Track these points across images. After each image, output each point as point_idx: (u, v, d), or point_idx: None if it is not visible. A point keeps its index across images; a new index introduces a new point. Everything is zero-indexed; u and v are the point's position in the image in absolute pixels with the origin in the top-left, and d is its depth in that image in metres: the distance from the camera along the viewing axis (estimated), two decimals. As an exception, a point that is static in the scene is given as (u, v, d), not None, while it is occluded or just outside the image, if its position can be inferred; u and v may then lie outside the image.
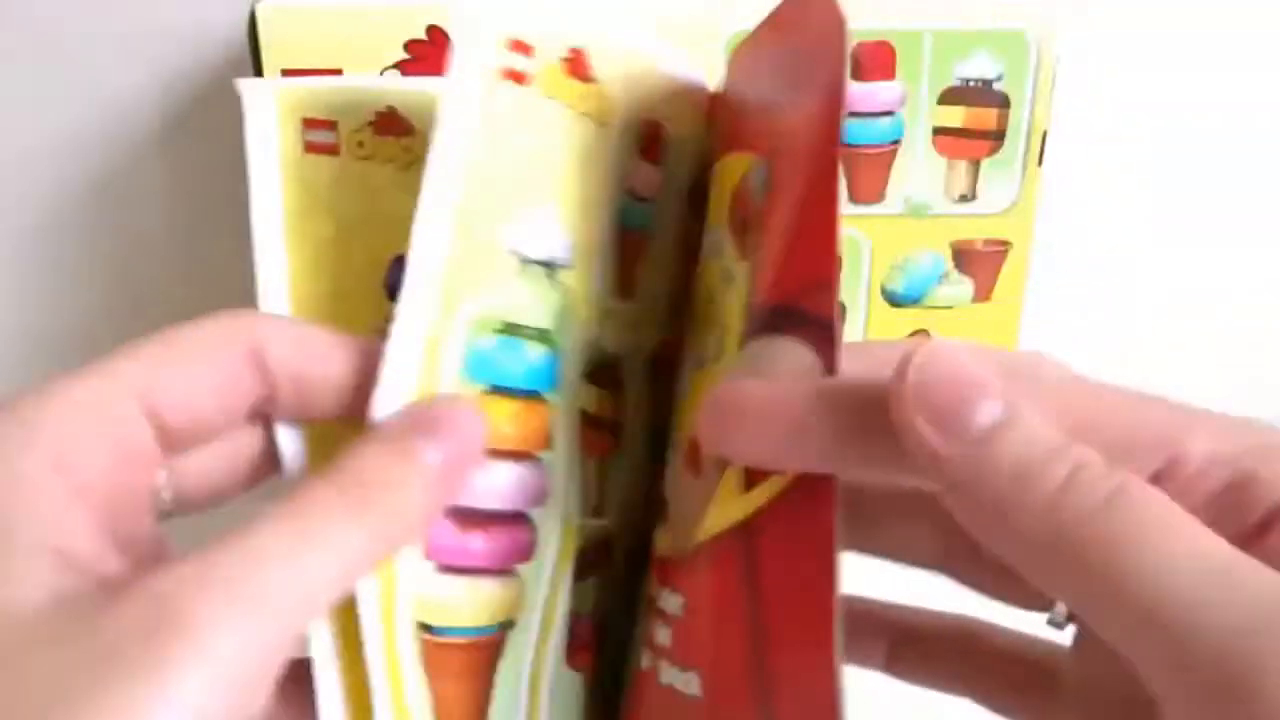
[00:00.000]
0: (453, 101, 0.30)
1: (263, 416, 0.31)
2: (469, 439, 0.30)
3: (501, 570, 0.33)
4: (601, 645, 0.37)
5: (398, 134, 0.33)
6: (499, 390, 0.32)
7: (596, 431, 0.36)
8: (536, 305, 0.33)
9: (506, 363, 0.32)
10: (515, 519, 0.34)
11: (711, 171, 0.36)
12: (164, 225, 0.36)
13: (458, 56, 0.30)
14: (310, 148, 0.33)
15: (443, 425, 0.29)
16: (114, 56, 0.31)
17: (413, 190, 0.30)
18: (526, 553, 0.34)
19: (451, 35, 0.31)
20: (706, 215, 0.36)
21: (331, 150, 0.33)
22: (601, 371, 0.36)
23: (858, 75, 0.47)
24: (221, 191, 0.30)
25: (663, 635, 0.31)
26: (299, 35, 0.43)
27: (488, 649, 0.33)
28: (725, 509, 0.29)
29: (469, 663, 0.33)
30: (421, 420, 0.29)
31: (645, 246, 0.37)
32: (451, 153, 0.30)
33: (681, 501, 0.32)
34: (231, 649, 0.24)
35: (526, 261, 0.32)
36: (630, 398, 0.37)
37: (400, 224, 0.30)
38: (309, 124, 0.33)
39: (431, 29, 0.43)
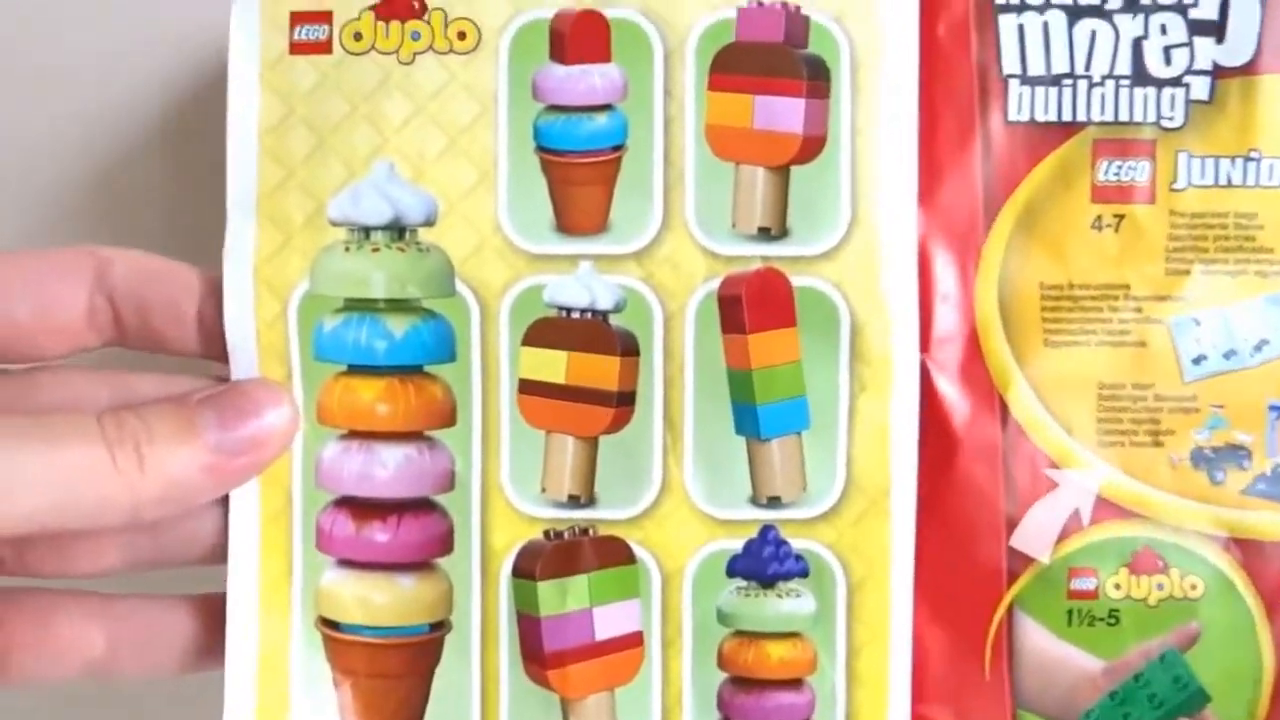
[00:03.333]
0: (235, 93, 0.30)
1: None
2: (263, 432, 0.28)
3: (417, 565, 0.30)
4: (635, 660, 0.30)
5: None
6: (359, 370, 0.30)
7: (569, 403, 0.30)
8: (383, 275, 0.30)
9: (358, 340, 0.30)
10: (421, 507, 0.30)
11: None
12: (164, 225, 0.37)
13: (234, 47, 0.30)
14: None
15: (238, 411, 0.28)
16: (114, 55, 0.33)
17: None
18: (443, 544, 0.30)
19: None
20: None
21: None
22: (567, 330, 0.30)
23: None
24: (221, 191, 0.30)
25: None
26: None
27: (417, 650, 0.30)
28: None
29: (391, 663, 0.30)
30: (219, 400, 0.29)
31: (611, 167, 0.30)
32: (243, 142, 0.30)
33: None
34: None
35: (359, 230, 0.30)
36: (652, 359, 0.30)
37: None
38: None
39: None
